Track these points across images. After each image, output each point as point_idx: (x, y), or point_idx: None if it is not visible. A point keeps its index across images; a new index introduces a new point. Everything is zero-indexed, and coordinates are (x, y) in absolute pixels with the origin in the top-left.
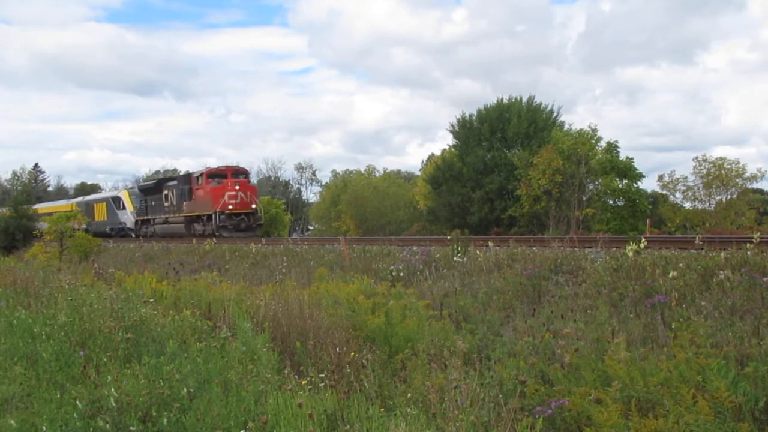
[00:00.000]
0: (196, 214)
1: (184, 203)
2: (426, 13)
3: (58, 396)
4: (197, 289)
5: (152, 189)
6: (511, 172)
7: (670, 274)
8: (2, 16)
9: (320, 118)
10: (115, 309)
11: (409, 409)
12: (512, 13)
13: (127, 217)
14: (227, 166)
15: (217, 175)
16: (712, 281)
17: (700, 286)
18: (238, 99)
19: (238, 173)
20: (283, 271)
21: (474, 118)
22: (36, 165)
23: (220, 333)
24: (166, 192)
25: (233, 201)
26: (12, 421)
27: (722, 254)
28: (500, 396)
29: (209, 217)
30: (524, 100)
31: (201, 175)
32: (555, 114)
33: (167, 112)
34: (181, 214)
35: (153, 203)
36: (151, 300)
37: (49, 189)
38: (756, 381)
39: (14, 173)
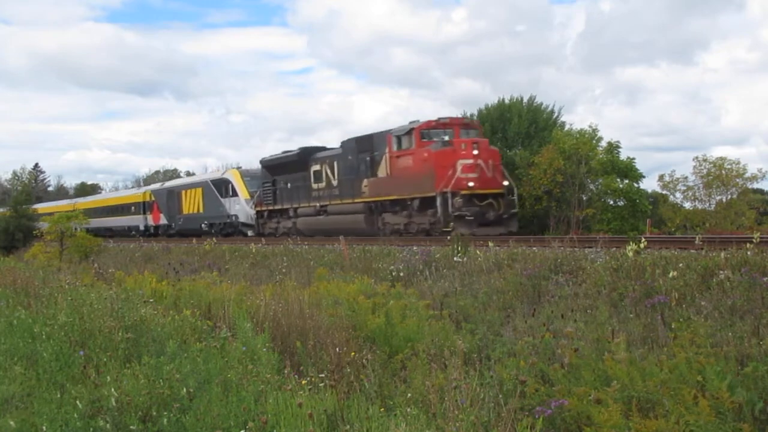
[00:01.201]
0: (394, 197)
1: (364, 182)
2: (426, 13)
3: (58, 396)
4: (197, 289)
5: (290, 164)
6: (512, 172)
7: (670, 274)
8: (2, 16)
9: (320, 118)
10: (115, 309)
11: (409, 409)
12: (512, 13)
13: (240, 207)
14: (452, 118)
15: (436, 131)
16: (712, 281)
17: (700, 286)
18: (238, 99)
19: (469, 127)
20: (283, 271)
21: (475, 117)
22: (36, 165)
23: (220, 333)
24: (317, 167)
25: (472, 174)
26: (12, 422)
27: (722, 254)
28: (500, 396)
29: (425, 201)
30: (525, 100)
31: (408, 132)
32: (556, 114)
33: (167, 112)
34: (356, 199)
35: (289, 185)
36: (151, 300)
37: (50, 189)
38: (756, 381)
39: (14, 173)
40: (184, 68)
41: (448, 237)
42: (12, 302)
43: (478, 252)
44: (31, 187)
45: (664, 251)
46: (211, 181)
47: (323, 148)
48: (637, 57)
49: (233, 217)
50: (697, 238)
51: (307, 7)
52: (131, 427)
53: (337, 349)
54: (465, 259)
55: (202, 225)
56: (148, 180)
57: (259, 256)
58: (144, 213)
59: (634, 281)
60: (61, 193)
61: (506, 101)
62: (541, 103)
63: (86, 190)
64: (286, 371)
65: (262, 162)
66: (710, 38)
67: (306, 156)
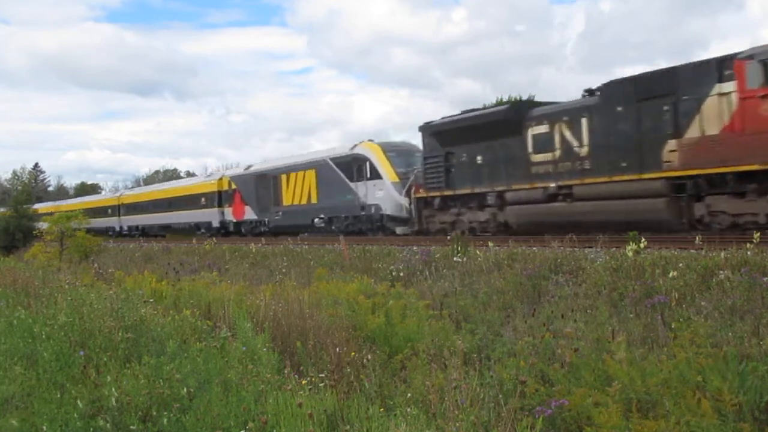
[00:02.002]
0: (743, 168)
1: (668, 145)
2: (425, 12)
3: (58, 396)
4: (197, 289)
5: (485, 126)
6: None
7: (670, 274)
8: (2, 16)
9: (320, 118)
10: (115, 309)
11: (409, 409)
12: (512, 13)
13: (385, 193)
14: None
15: None
16: (712, 281)
17: (700, 286)
18: (238, 99)
19: None
20: (283, 271)
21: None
22: (36, 165)
23: (220, 333)
24: (541, 129)
25: None
26: (13, 421)
27: (722, 254)
28: (500, 396)
29: None
30: (524, 99)
31: None
32: None
33: (166, 112)
34: (646, 175)
35: (480, 159)
36: (151, 300)
37: (50, 189)
38: (756, 381)
39: (14, 173)
40: (184, 68)
41: (449, 236)
42: (12, 302)
43: (478, 252)
44: (31, 187)
45: (664, 251)
46: (331, 159)
47: (538, 103)
48: (637, 57)
49: (372, 208)
50: (697, 238)
51: (306, 7)
52: (131, 427)
53: (337, 349)
54: (465, 259)
55: (315, 220)
56: (149, 180)
57: (259, 256)
58: (220, 206)
59: (634, 281)
60: (61, 193)
61: (505, 101)
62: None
63: (86, 189)
64: (286, 371)
65: (427, 128)
66: (710, 38)
67: (519, 113)
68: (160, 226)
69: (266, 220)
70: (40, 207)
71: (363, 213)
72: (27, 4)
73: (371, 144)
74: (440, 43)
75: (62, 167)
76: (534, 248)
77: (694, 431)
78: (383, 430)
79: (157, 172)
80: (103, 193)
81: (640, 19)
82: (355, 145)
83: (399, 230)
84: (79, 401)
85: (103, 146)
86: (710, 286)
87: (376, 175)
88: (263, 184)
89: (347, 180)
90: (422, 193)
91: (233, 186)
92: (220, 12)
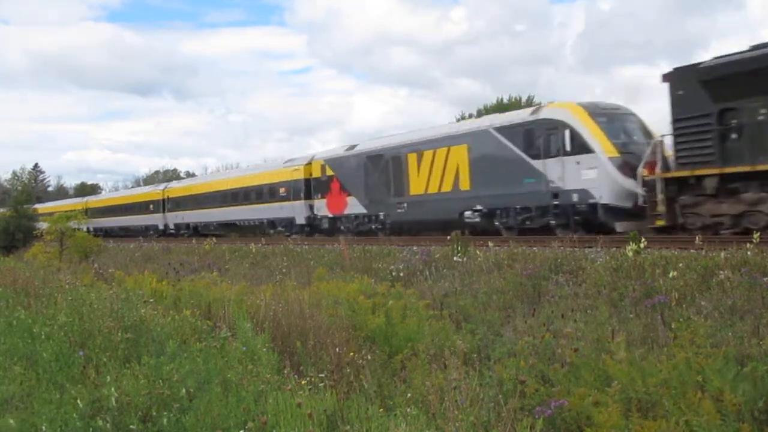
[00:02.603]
0: None
1: None
2: (425, 12)
3: (58, 396)
4: (197, 289)
5: None
6: None
7: (670, 274)
8: (1, 16)
9: (319, 117)
10: (115, 309)
11: (409, 409)
12: (511, 12)
13: (600, 173)
14: None
15: None
16: (712, 281)
17: (700, 286)
18: (238, 99)
19: None
20: (283, 271)
21: (474, 117)
22: (36, 165)
23: (220, 333)
24: None
25: None
26: (11, 421)
27: (722, 254)
28: (500, 396)
29: None
30: (524, 99)
31: None
32: None
33: (166, 112)
34: None
35: None
36: (151, 300)
37: (49, 189)
38: (755, 381)
39: (14, 173)
40: (184, 68)
41: (448, 237)
42: (12, 302)
43: (478, 252)
44: (31, 188)
45: (664, 251)
46: (497, 129)
47: None
48: (637, 56)
49: (573, 196)
50: (697, 238)
51: (306, 7)
52: (131, 427)
53: (337, 349)
54: (465, 259)
55: (466, 213)
56: (148, 180)
57: (259, 256)
58: (308, 197)
59: (634, 281)
60: (61, 193)
61: (505, 101)
62: (540, 103)
63: (86, 190)
64: (286, 371)
65: (684, 74)
66: (710, 38)
67: None
68: (221, 224)
69: (381, 214)
70: (67, 204)
71: (556, 202)
72: (26, 3)
73: (570, 104)
74: (440, 42)
75: (62, 167)
76: (534, 248)
77: (694, 431)
78: (383, 430)
79: (157, 172)
80: (105, 190)
81: (639, 19)
82: (540, 107)
83: (620, 227)
84: (78, 401)
85: (103, 146)
86: (710, 286)
87: (581, 148)
88: (377, 168)
89: (526, 156)
90: (677, 172)
91: (328, 172)
92: (219, 12)
